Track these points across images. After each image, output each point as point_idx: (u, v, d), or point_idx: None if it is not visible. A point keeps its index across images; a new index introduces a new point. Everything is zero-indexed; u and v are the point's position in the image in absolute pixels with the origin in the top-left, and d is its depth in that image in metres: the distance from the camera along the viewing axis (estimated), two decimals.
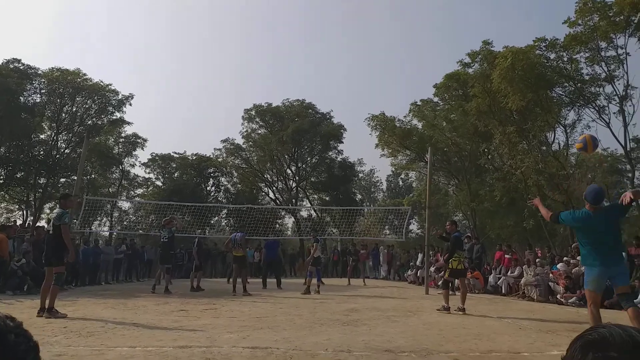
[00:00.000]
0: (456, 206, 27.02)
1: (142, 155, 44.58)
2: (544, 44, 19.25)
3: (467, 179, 24.42)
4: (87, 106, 28.71)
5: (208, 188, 34.67)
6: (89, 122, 28.70)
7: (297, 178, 33.40)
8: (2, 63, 25.51)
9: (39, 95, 27.54)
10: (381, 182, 52.14)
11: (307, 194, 35.02)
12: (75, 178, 16.03)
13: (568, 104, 20.15)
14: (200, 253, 13.43)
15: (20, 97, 25.69)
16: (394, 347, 4.96)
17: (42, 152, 27.75)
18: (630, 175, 21.39)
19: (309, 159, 33.84)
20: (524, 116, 19.69)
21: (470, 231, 22.48)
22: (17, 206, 29.69)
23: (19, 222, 23.71)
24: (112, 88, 28.88)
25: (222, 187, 35.00)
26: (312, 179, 34.00)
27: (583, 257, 5.03)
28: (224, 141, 33.15)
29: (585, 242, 4.96)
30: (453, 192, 27.36)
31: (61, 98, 27.59)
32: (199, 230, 16.23)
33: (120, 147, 32.38)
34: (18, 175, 27.03)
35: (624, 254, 10.40)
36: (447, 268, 8.82)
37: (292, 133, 30.66)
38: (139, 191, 34.74)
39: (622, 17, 17.31)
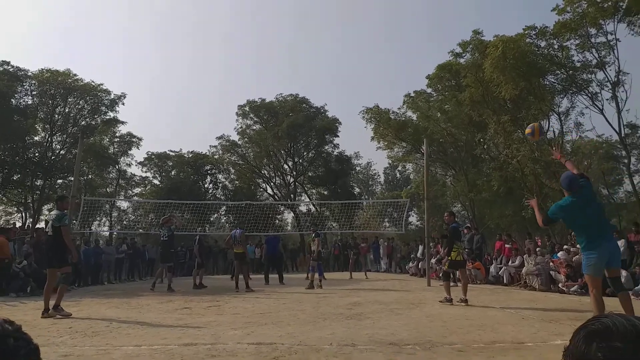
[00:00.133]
0: (454, 197, 27.07)
1: (138, 154, 44.47)
2: (534, 32, 19.15)
3: (464, 170, 24.45)
4: (79, 107, 28.56)
5: (206, 185, 34.64)
6: (83, 123, 28.58)
7: (294, 173, 33.39)
8: None
9: (30, 97, 27.41)
10: (379, 175, 52.21)
11: (305, 188, 35.03)
12: (72, 179, 15.99)
13: (561, 91, 20.09)
14: (201, 251, 13.47)
15: (12, 100, 25.51)
16: (397, 340, 4.99)
17: (37, 154, 27.61)
18: (626, 161, 21.41)
19: (305, 153, 33.77)
20: (517, 105, 19.66)
21: (470, 221, 22.56)
22: (15, 208, 29.60)
23: (18, 224, 23.76)
24: (104, 88, 28.80)
25: (220, 184, 34.99)
26: (310, 174, 33.95)
27: (585, 244, 4.93)
28: (219, 138, 33.13)
29: (581, 224, 4.97)
30: (451, 183, 27.40)
31: (53, 99, 27.42)
32: (199, 228, 16.25)
33: (116, 146, 32.28)
34: (14, 178, 26.90)
35: (623, 240, 10.56)
36: (447, 259, 8.89)
37: (287, 128, 30.59)
38: (137, 190, 34.73)
39: (610, 3, 17.25)
